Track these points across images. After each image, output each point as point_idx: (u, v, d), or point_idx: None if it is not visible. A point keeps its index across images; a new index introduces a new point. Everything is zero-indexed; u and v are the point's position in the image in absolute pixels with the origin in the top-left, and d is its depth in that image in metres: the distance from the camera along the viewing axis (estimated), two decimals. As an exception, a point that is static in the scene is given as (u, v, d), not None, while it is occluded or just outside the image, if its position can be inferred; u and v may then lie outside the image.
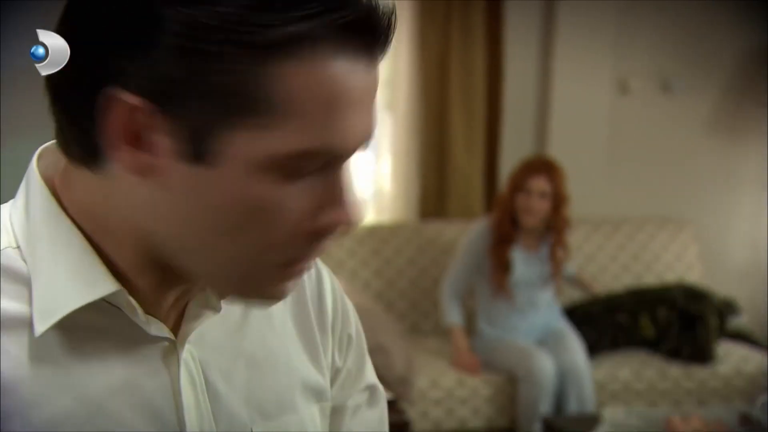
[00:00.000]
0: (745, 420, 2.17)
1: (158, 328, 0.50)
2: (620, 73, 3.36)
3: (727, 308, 3.04)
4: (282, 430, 0.56)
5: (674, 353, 2.88)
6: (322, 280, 0.63)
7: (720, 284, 3.31)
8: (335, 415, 0.62)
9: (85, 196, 0.49)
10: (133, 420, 0.48)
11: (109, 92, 0.44)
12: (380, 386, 0.66)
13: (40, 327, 0.46)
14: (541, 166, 2.68)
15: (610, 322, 2.93)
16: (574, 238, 2.93)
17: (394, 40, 0.46)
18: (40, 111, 0.49)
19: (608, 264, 3.26)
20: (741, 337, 3.11)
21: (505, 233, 2.67)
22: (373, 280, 3.06)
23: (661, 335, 2.91)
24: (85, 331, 0.48)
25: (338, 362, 0.63)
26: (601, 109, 3.30)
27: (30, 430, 0.45)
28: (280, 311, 0.59)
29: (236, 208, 0.45)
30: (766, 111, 3.43)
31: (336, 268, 3.02)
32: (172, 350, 0.50)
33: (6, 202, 0.52)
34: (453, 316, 2.77)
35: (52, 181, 0.50)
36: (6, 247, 0.47)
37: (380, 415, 0.64)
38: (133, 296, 0.49)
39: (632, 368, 2.87)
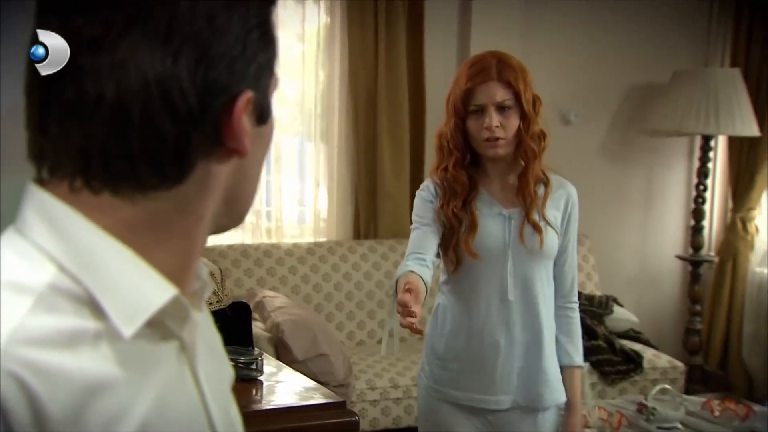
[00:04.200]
0: (642, 408, 2.22)
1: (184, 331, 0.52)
2: (525, 108, 3.44)
3: (605, 308, 3.14)
4: (234, 420, 0.57)
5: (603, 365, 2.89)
6: None
7: (613, 290, 3.41)
8: None
9: (131, 217, 0.47)
10: (179, 412, 0.49)
11: (246, 95, 0.47)
12: None
13: (129, 329, 0.45)
14: (489, 66, 1.47)
15: None
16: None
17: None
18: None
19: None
20: (631, 336, 3.19)
21: (460, 181, 1.49)
22: (314, 294, 3.00)
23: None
24: (137, 335, 0.47)
25: None
26: (510, 139, 3.36)
27: (131, 430, 0.45)
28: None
29: (269, 145, 0.54)
30: (647, 139, 3.59)
31: (279, 284, 2.94)
32: (182, 348, 0.51)
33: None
34: (403, 269, 1.45)
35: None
36: (56, 274, 0.45)
37: None
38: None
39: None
